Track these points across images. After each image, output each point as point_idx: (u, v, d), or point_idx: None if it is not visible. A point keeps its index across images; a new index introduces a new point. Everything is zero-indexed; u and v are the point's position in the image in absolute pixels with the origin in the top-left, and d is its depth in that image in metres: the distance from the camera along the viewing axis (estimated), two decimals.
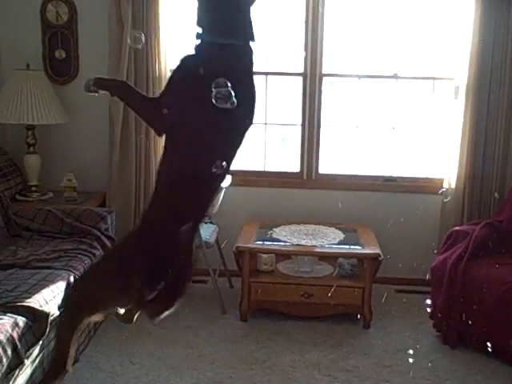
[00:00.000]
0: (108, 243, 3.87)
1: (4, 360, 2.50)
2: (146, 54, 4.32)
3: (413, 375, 3.39)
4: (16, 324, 2.66)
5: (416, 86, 4.66)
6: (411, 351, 3.65)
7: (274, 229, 4.28)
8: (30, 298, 2.87)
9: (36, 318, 2.82)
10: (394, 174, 4.67)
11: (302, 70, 4.62)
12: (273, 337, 3.80)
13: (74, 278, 3.27)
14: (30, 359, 2.78)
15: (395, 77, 4.60)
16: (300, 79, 4.63)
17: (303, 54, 4.57)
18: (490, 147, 4.32)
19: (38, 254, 3.54)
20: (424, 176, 4.65)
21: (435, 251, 4.15)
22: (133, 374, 3.35)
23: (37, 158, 4.43)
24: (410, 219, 4.56)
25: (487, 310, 3.51)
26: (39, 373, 2.92)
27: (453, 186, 4.39)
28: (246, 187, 4.64)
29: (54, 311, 2.94)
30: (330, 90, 4.69)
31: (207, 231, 4.25)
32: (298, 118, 4.67)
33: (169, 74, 4.40)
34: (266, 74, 4.67)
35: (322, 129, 4.67)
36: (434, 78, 4.59)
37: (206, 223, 4.34)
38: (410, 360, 3.55)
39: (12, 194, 4.27)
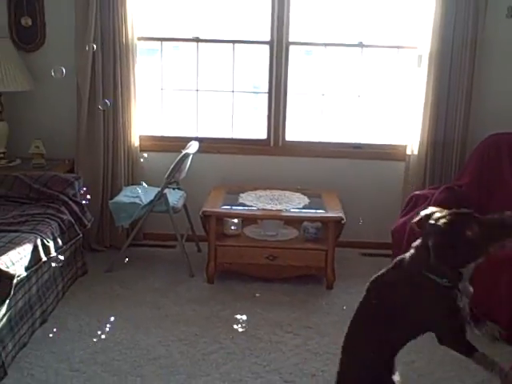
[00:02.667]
0: (76, 208, 3.93)
1: None
2: (112, 22, 4.34)
3: None
4: None
5: (381, 54, 4.74)
6: None
7: (241, 194, 4.36)
8: None
9: (1, 278, 2.88)
10: (361, 142, 4.76)
11: (268, 38, 4.67)
12: (238, 298, 3.91)
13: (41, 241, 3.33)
14: None
15: (360, 45, 4.67)
16: (267, 47, 4.68)
17: (270, 21, 4.61)
18: (452, 115, 4.43)
19: (6, 218, 3.60)
20: (389, 143, 4.76)
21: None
22: (100, 333, 3.43)
23: (4, 125, 4.45)
24: (376, 185, 4.68)
25: None
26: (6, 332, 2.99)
27: (415, 152, 4.50)
28: (213, 154, 4.71)
29: (20, 272, 3.01)
30: (298, 58, 4.75)
31: (175, 196, 4.33)
32: (265, 86, 4.73)
33: (136, 42, 4.44)
34: (234, 41, 4.71)
35: (288, 96, 4.73)
36: (398, 47, 4.67)
37: (173, 189, 4.41)
38: None
39: None
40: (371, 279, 2.52)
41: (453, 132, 4.44)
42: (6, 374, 2.95)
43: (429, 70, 4.38)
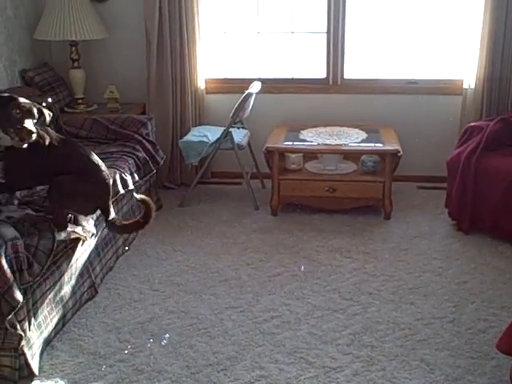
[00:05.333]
0: (149, 146, 4.26)
1: None
2: None
3: (426, 256, 3.75)
4: None
5: None
6: (427, 237, 4.01)
7: (302, 131, 4.58)
8: None
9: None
10: (416, 77, 4.87)
11: None
12: (300, 227, 4.19)
13: (120, 175, 3.68)
14: None
15: None
16: None
17: None
18: (508, 48, 4.47)
19: None
20: (445, 78, 4.85)
21: None
22: (175, 259, 3.79)
23: (81, 72, 4.79)
24: (432, 119, 4.80)
25: (497, 198, 3.80)
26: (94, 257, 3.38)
27: (472, 86, 4.59)
28: (275, 94, 4.92)
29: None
30: None
31: (240, 135, 4.59)
32: (323, 26, 4.88)
33: None
34: None
35: (346, 35, 4.87)
36: None
37: (238, 128, 4.67)
38: (425, 244, 3.91)
39: (61, 107, 4.65)
40: None
41: (510, 65, 4.49)
42: (96, 292, 3.35)
43: (485, 2, 4.42)
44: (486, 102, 4.58)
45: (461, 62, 4.69)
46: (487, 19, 4.43)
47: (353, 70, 4.96)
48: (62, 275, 2.97)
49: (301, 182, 4.34)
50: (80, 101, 4.79)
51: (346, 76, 4.94)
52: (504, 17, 4.42)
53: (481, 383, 2.63)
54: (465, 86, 4.63)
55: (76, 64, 4.76)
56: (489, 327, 2.97)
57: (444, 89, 4.79)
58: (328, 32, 4.86)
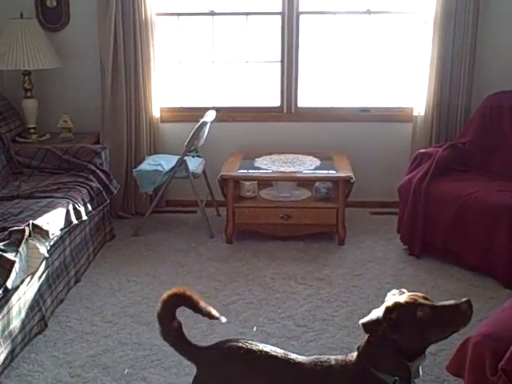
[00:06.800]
0: (103, 176, 4.23)
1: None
2: (132, 1, 4.57)
3: (379, 281, 3.80)
4: None
5: (387, 20, 4.91)
6: (380, 262, 4.06)
7: (256, 159, 4.62)
8: (34, 220, 3.24)
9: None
10: (368, 105, 4.98)
11: (280, 9, 4.87)
12: (255, 255, 4.19)
13: (73, 206, 3.65)
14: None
15: (368, 12, 4.86)
16: (279, 17, 4.89)
17: None
18: (456, 76, 4.62)
19: (40, 186, 3.91)
20: (396, 106, 4.97)
21: None
22: (129, 290, 3.75)
23: (34, 101, 4.74)
24: (384, 146, 4.91)
25: (446, 223, 3.89)
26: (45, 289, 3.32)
27: (422, 113, 4.71)
28: (230, 122, 4.97)
29: (54, 231, 3.32)
30: (307, 26, 4.94)
31: (194, 163, 4.60)
32: (277, 55, 4.95)
33: (154, 18, 4.68)
34: (247, 14, 4.94)
35: (300, 64, 4.96)
36: (403, 13, 4.85)
37: (193, 156, 4.68)
38: (378, 269, 3.96)
39: (12, 136, 4.59)
40: None
41: (457, 93, 4.63)
42: (46, 325, 3.29)
43: (433, 33, 4.56)
44: (435, 129, 4.70)
45: (411, 91, 4.81)
46: (435, 49, 4.57)
47: (306, 99, 5.04)
48: (10, 309, 2.91)
49: (255, 209, 4.36)
50: (32, 130, 4.74)
51: (300, 104, 5.01)
52: (451, 47, 4.57)
53: None
54: (415, 113, 4.75)
55: (29, 93, 4.71)
56: (440, 350, 3.00)
57: (395, 116, 4.91)
58: (282, 61, 4.95)
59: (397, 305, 1.91)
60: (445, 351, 2.98)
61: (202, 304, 2.17)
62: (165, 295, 2.14)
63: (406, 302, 1.91)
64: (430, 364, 2.91)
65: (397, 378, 1.90)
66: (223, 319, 2.21)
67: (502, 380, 2.11)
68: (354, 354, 2.01)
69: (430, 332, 1.89)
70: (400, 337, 1.90)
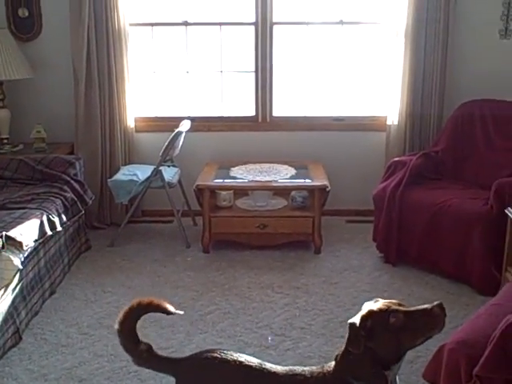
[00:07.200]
0: (77, 186, 4.20)
1: None
2: (105, 10, 4.56)
3: (355, 289, 3.81)
4: None
5: (360, 30, 4.97)
6: (356, 270, 4.08)
7: (232, 168, 4.62)
8: (8, 231, 3.20)
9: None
10: (343, 114, 5.02)
11: (253, 20, 4.90)
12: (232, 264, 4.19)
13: (47, 217, 3.61)
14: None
15: (341, 23, 4.91)
16: (252, 28, 4.92)
17: (254, 3, 4.84)
18: (428, 86, 4.68)
19: (13, 197, 3.87)
20: (369, 115, 5.02)
21: None
22: (105, 301, 3.71)
23: (6, 112, 4.70)
24: (358, 155, 4.94)
25: (420, 230, 3.94)
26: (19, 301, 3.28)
27: (395, 122, 4.76)
28: (205, 132, 4.97)
29: (28, 243, 3.29)
30: (281, 36, 4.97)
31: (170, 173, 4.59)
32: (251, 65, 4.97)
33: (127, 28, 4.67)
34: (220, 24, 4.95)
35: (274, 74, 4.98)
36: (375, 23, 4.91)
37: (168, 166, 4.67)
38: (354, 277, 3.98)
39: None
40: None
41: (429, 102, 4.69)
42: (20, 338, 3.23)
43: (405, 43, 4.62)
44: (408, 138, 4.76)
45: (384, 100, 4.87)
46: (407, 59, 4.63)
47: (281, 108, 5.06)
48: None
49: (232, 218, 4.37)
50: (5, 141, 4.69)
51: (275, 113, 5.04)
52: (422, 57, 4.63)
53: None
54: (388, 122, 4.80)
55: (1, 104, 4.67)
56: (416, 357, 3.02)
57: (369, 125, 4.96)
58: (256, 71, 4.97)
59: (371, 313, 1.93)
60: (421, 358, 3.00)
61: (155, 302, 2.16)
62: (117, 324, 2.12)
63: (380, 309, 1.92)
64: (407, 371, 2.93)
65: None
66: (180, 312, 2.25)
67: None
68: (332, 364, 2.01)
69: (405, 338, 1.90)
70: (376, 344, 1.91)
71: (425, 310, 1.88)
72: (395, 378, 1.97)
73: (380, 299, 2.02)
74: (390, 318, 1.89)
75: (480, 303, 3.38)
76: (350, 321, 1.94)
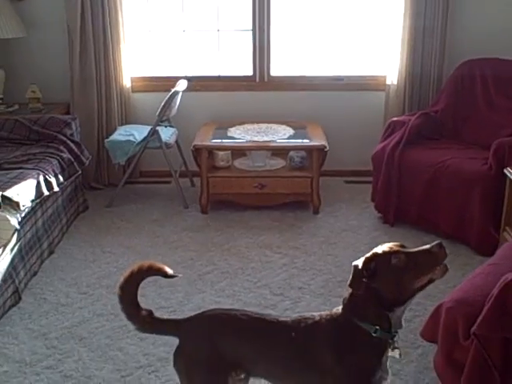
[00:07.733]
0: (74, 147, 4.17)
1: None
2: None
3: (353, 249, 3.82)
4: None
5: None
6: (354, 230, 4.09)
7: (230, 128, 4.59)
8: (4, 191, 3.19)
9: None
10: (342, 74, 4.96)
11: None
12: (230, 225, 4.19)
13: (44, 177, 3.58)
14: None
15: None
16: None
17: None
18: (428, 45, 4.61)
19: (9, 158, 3.84)
20: (369, 74, 4.96)
21: None
22: (104, 261, 3.72)
23: (0, 72, 4.63)
24: (357, 115, 4.90)
25: (420, 190, 3.92)
26: (18, 261, 3.28)
27: (394, 82, 4.71)
28: (202, 92, 4.91)
29: (25, 203, 3.27)
30: None
31: (167, 133, 4.55)
32: (249, 24, 4.89)
33: None
34: None
35: (272, 33, 4.90)
36: None
37: (165, 126, 4.63)
38: (353, 237, 3.99)
39: None
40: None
41: (429, 61, 4.63)
42: (20, 298, 3.24)
43: (405, 2, 4.53)
44: (407, 98, 4.71)
45: (384, 59, 4.80)
46: (407, 18, 4.55)
47: (279, 67, 4.99)
48: None
49: (230, 179, 4.35)
50: (0, 101, 4.63)
51: (273, 73, 4.97)
52: (423, 15, 4.54)
53: (408, 371, 2.70)
54: (388, 82, 4.75)
55: None
56: (414, 316, 3.05)
57: (368, 85, 4.90)
58: (254, 30, 4.88)
59: (375, 255, 1.96)
60: (419, 317, 3.03)
61: (156, 266, 2.11)
62: (118, 289, 2.07)
63: (383, 251, 1.96)
64: (405, 330, 2.91)
65: (377, 327, 1.95)
66: (179, 275, 2.22)
67: (474, 344, 2.15)
68: (340, 308, 2.06)
69: (407, 278, 1.92)
70: (379, 285, 1.94)
71: (425, 249, 1.92)
72: (400, 321, 2.00)
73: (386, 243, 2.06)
74: (392, 259, 1.92)
75: (478, 263, 3.39)
76: (354, 263, 1.97)
